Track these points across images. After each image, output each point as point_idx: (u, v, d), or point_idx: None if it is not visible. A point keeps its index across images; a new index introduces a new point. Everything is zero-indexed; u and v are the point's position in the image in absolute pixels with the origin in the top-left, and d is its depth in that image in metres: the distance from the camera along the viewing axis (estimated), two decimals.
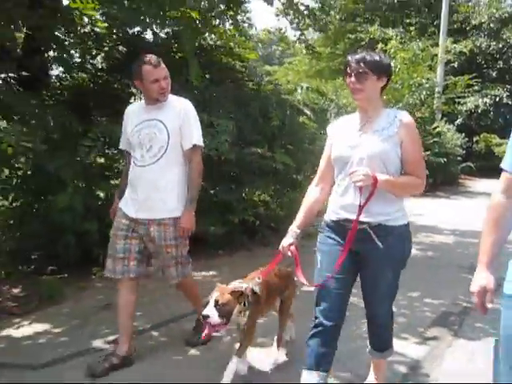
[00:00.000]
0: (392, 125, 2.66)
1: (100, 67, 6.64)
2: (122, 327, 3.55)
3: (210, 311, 2.88)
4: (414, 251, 6.95)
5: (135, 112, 3.62)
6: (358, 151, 2.67)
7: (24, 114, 5.00)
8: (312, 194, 2.95)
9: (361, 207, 2.63)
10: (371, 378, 3.18)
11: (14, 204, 5.53)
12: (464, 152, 17.35)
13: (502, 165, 1.99)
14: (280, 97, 7.32)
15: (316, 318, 2.81)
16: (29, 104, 5.14)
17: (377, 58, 2.67)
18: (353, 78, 2.65)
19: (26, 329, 4.10)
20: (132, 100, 6.35)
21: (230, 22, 7.85)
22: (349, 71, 2.68)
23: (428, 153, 14.05)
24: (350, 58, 2.70)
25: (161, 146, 3.41)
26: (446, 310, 4.68)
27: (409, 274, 5.68)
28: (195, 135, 3.50)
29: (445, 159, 14.83)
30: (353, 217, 2.68)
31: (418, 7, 22.56)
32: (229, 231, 6.42)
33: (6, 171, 5.43)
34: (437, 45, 17.57)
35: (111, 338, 3.83)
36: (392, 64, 11.02)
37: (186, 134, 3.46)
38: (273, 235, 6.95)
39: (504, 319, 1.88)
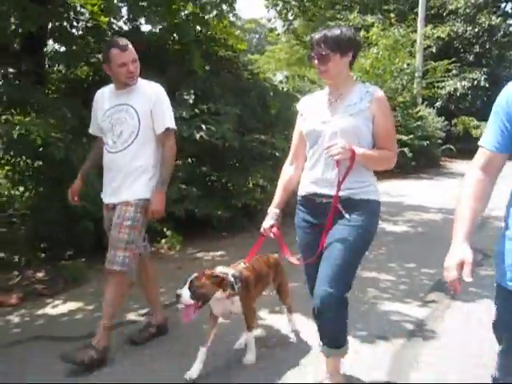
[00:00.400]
0: (363, 99, 2.65)
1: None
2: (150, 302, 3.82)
3: (183, 291, 2.89)
4: (405, 228, 7.55)
5: (105, 97, 3.54)
6: (331, 126, 2.66)
7: (41, 107, 5.26)
8: (287, 172, 2.95)
9: (339, 183, 2.62)
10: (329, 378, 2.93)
11: (31, 193, 5.81)
12: (444, 135, 17.83)
13: (481, 142, 1.94)
14: (276, 86, 7.67)
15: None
16: (43, 97, 5.40)
17: (337, 33, 2.62)
18: (316, 61, 2.66)
19: (60, 308, 4.41)
20: None
21: (215, 13, 8.05)
22: (312, 54, 2.67)
23: (411, 136, 14.55)
24: (312, 39, 2.69)
25: (131, 131, 3.36)
26: (442, 278, 5.08)
27: (404, 247, 6.27)
28: (167, 119, 3.43)
29: (427, 142, 15.32)
30: (320, 190, 2.71)
31: None
32: (232, 215, 6.77)
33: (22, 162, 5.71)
34: (416, 31, 18.01)
35: (143, 311, 4.15)
36: (375, 49, 11.27)
37: (159, 118, 3.40)
38: None
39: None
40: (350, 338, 3.56)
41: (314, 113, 2.78)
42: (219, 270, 3.12)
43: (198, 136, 5.63)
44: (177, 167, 6.28)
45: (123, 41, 3.36)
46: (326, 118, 2.70)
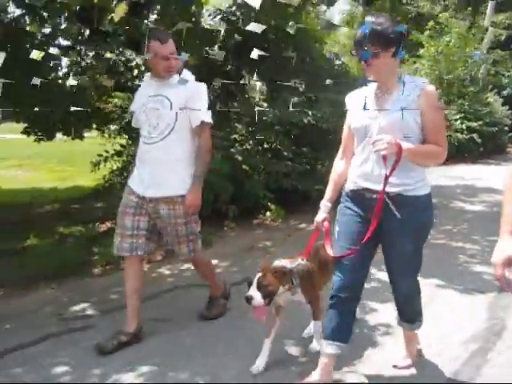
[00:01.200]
0: (412, 94, 2.59)
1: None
2: (129, 305, 3.55)
3: (254, 292, 2.81)
4: (482, 207, 8.27)
5: (144, 88, 3.57)
6: (377, 121, 2.62)
7: None
8: (338, 167, 2.94)
9: (386, 177, 2.57)
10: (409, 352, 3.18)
11: None
12: (510, 122, 17.98)
13: None
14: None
15: (332, 289, 2.86)
16: None
17: (385, 28, 2.53)
18: (363, 59, 2.59)
19: None
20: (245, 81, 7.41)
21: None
22: (354, 54, 2.66)
23: (480, 122, 14.96)
24: (357, 35, 2.60)
25: (167, 123, 3.35)
26: None
27: (483, 224, 6.92)
28: (203, 112, 3.37)
29: (496, 128, 15.73)
30: (371, 186, 2.68)
31: None
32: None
33: None
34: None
35: None
36: (446, 38, 11.55)
37: (195, 111, 3.34)
38: None
39: None
40: (449, 291, 4.37)
41: (362, 108, 2.68)
42: (276, 263, 3.05)
43: (306, 121, 6.44)
44: (282, 146, 7.10)
45: (165, 33, 3.38)
46: (374, 113, 2.65)
